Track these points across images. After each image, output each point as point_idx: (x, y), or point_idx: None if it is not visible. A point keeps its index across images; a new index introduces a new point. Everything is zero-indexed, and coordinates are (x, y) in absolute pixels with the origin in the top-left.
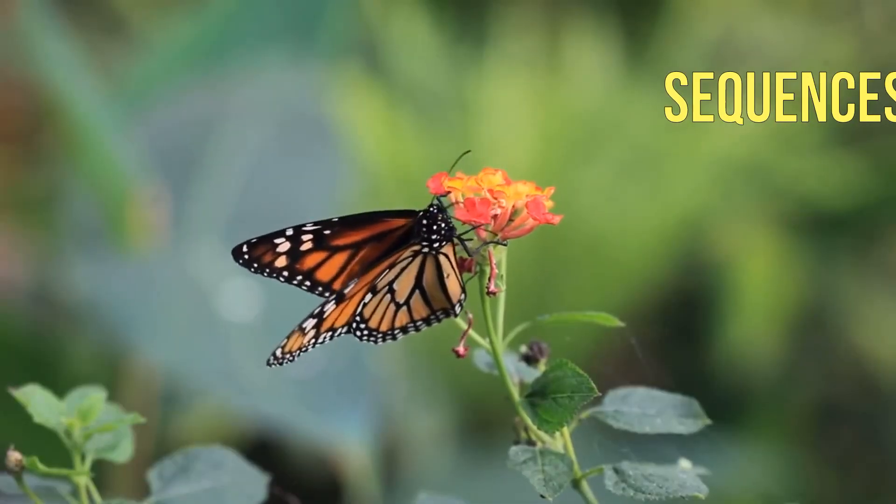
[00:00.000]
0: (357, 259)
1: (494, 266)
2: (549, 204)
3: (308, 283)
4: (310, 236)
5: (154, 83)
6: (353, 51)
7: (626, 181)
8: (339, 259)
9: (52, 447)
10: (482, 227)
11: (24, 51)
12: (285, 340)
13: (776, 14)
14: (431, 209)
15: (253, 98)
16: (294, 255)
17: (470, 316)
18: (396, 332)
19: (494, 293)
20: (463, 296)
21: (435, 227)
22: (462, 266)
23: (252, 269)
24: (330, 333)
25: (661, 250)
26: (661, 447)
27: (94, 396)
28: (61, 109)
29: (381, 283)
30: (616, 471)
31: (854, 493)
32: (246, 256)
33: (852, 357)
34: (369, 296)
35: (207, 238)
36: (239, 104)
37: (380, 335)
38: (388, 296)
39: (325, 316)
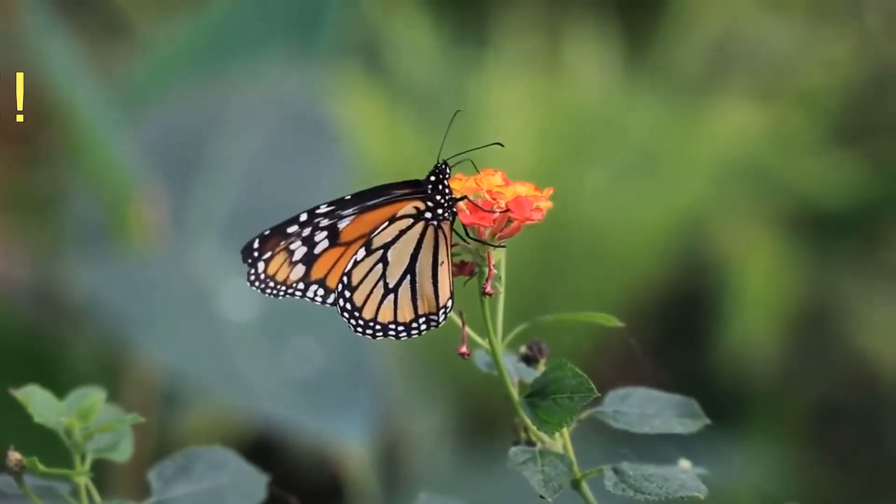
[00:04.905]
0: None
1: (493, 267)
2: (547, 204)
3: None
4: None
5: (155, 83)
6: (354, 51)
7: (625, 181)
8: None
9: (52, 447)
10: (483, 229)
11: (25, 52)
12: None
13: (776, 14)
14: (439, 166)
15: (253, 98)
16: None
17: (462, 317)
18: (377, 327)
19: (490, 294)
20: (450, 301)
21: (441, 189)
22: (463, 269)
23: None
24: (320, 290)
25: (660, 250)
26: (661, 447)
27: (94, 396)
28: (63, 110)
29: (377, 240)
30: (616, 471)
31: (854, 493)
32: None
33: (852, 357)
34: (362, 252)
35: (207, 238)
36: (239, 104)
37: (360, 319)
38: (380, 266)
39: (316, 252)
